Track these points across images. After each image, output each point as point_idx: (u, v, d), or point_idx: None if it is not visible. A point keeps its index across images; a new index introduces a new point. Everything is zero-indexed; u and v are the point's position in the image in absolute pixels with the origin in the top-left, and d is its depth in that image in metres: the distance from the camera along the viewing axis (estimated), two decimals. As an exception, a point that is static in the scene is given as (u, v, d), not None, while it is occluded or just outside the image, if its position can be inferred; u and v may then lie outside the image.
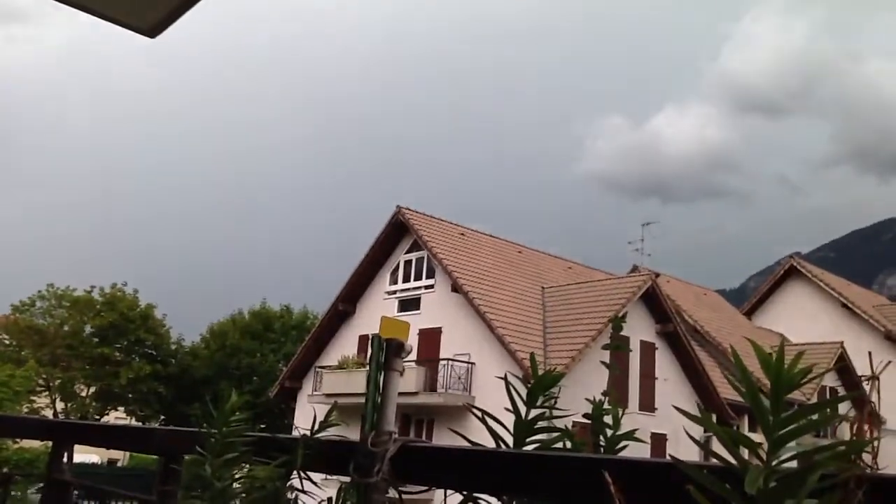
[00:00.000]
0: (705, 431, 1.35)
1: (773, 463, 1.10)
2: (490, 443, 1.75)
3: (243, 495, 2.30)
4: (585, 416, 1.86)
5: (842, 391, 32.59)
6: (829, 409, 1.17)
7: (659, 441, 23.77)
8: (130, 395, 40.76)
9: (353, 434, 2.07)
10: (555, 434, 1.79)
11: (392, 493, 1.83)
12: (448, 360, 25.17)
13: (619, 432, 1.85)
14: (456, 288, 26.29)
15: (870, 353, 1.20)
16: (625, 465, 1.37)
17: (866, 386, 1.23)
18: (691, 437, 1.33)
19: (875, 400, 1.19)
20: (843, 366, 32.83)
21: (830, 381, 33.20)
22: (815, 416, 1.13)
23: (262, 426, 37.12)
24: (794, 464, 1.13)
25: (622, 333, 2.15)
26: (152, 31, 2.25)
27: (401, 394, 1.93)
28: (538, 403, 1.83)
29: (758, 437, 1.18)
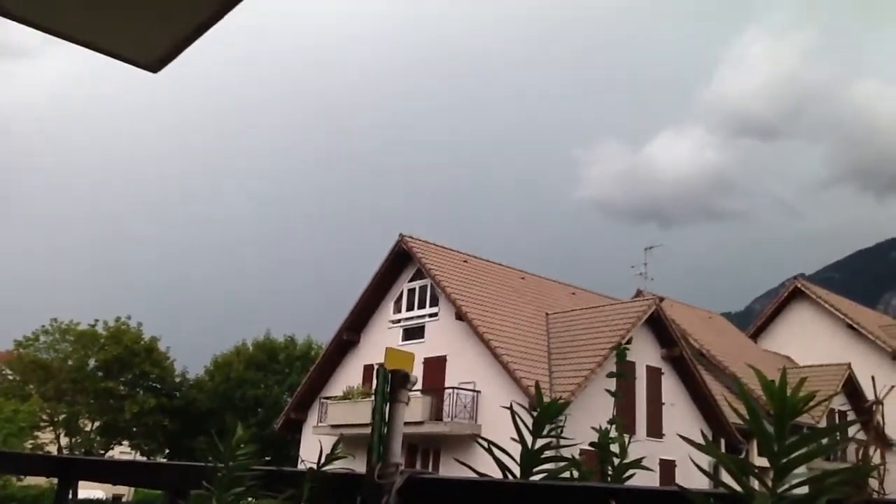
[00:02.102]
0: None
1: (779, 490, 1.10)
2: (497, 473, 1.75)
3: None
4: (592, 444, 1.86)
5: (851, 413, 32.32)
6: (834, 435, 1.17)
7: (668, 467, 23.57)
8: (135, 429, 40.53)
9: (360, 466, 2.07)
10: (562, 463, 1.78)
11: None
12: (453, 388, 25.05)
13: (626, 460, 1.85)
14: (460, 316, 26.23)
15: (873, 378, 1.21)
16: (632, 493, 1.37)
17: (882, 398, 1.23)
18: (697, 466, 1.33)
19: (881, 422, 1.19)
20: (851, 387, 32.61)
21: (839, 402, 32.95)
22: (820, 442, 1.14)
23: (268, 459, 36.85)
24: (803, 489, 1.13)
25: (627, 359, 2.15)
26: (155, 65, 2.28)
27: (406, 423, 1.93)
28: (544, 432, 1.83)
29: (767, 463, 1.18)
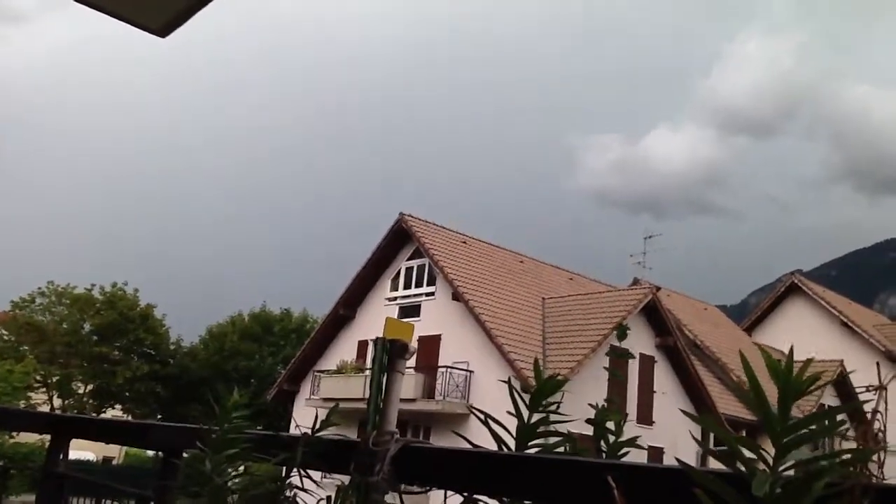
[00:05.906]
0: (703, 439, 1.35)
1: (780, 469, 1.09)
2: (489, 447, 1.75)
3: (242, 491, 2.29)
4: (588, 421, 1.85)
5: (840, 410, 32.44)
6: (835, 418, 1.17)
7: (656, 454, 23.72)
8: (127, 394, 40.70)
9: (351, 438, 2.07)
10: (557, 438, 1.78)
11: (392, 494, 1.83)
12: (447, 367, 25.13)
13: (621, 439, 1.85)
14: (456, 296, 26.26)
15: (878, 364, 1.21)
16: (631, 469, 1.36)
17: (871, 396, 1.23)
18: (697, 441, 1.33)
19: (882, 410, 1.19)
20: (842, 384, 32.74)
21: (828, 399, 33.10)
22: (825, 422, 1.13)
23: (260, 429, 37.05)
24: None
25: (621, 345, 2.15)
26: (163, 30, 2.25)
27: (399, 400, 1.93)
28: (540, 408, 1.82)
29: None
